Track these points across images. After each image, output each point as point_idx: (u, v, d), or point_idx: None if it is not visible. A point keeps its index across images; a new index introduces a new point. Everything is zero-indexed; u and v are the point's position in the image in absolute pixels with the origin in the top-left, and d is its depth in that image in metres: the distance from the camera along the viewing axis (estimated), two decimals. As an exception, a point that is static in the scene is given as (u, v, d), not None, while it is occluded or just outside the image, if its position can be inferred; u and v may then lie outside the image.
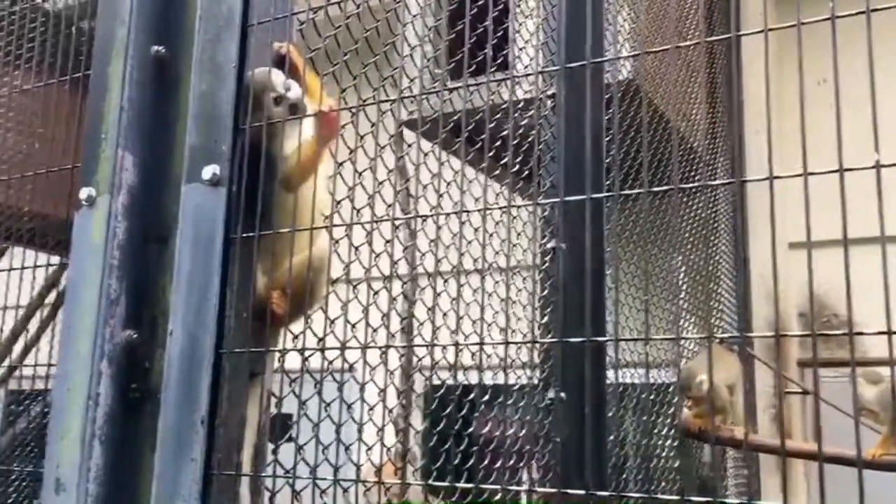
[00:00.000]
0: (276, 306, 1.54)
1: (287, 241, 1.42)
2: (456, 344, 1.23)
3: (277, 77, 1.49)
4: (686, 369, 3.17)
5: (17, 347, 4.70)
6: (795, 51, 1.21)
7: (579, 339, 1.78)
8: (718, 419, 3.26)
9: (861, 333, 0.89)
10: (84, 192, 1.45)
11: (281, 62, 1.51)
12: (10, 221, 4.19)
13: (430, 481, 1.70)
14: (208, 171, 1.37)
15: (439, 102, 1.82)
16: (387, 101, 1.60)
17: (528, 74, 1.55)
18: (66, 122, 2.71)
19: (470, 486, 1.25)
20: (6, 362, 4.59)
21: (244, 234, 1.36)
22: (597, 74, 2.17)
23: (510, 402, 2.19)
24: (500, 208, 1.19)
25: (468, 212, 1.21)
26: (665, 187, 1.06)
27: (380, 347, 1.35)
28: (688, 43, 2.29)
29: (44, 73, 3.10)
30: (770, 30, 1.03)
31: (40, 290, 4.78)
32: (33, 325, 4.73)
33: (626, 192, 1.10)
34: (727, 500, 1.01)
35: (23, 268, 3.04)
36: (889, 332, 0.87)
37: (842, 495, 1.11)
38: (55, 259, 4.30)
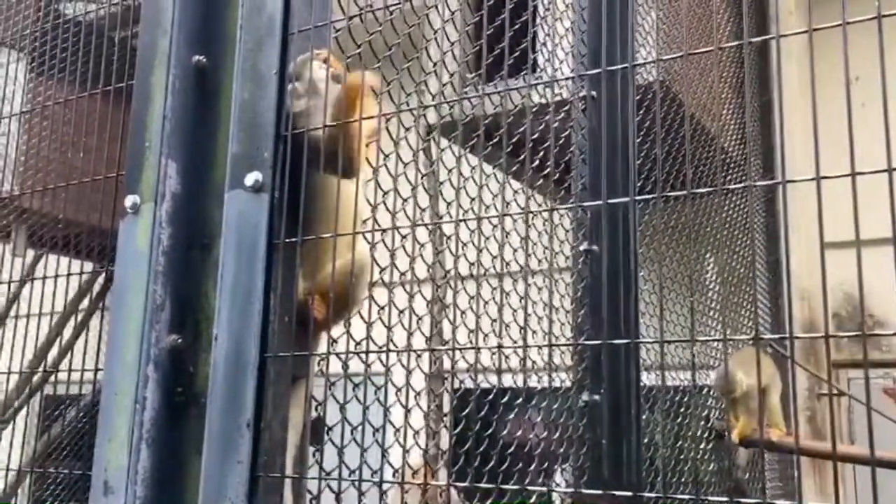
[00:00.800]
0: (316, 311, 1.56)
1: (328, 245, 1.43)
2: (499, 346, 1.24)
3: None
4: (726, 371, 3.16)
5: (52, 353, 4.78)
6: (827, 50, 1.22)
7: (623, 342, 1.77)
8: (755, 421, 3.24)
9: (912, 333, 0.88)
10: (129, 200, 1.48)
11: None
12: (45, 229, 4.27)
13: (462, 482, 1.71)
14: (251, 178, 1.39)
15: (470, 107, 1.83)
16: (408, 109, 1.60)
17: (569, 78, 1.55)
18: (100, 132, 2.75)
19: (491, 486, 1.25)
20: (42, 368, 4.66)
21: (287, 240, 1.38)
22: (629, 76, 2.17)
23: (544, 404, 2.19)
24: (543, 211, 1.19)
25: (511, 215, 1.22)
26: (708, 188, 1.06)
27: (421, 351, 1.36)
28: (732, 44, 2.28)
29: (77, 84, 3.16)
30: (815, 30, 1.03)
31: (74, 297, 4.85)
32: (68, 331, 4.81)
33: (670, 193, 1.10)
34: (777, 502, 1.01)
35: (56, 276, 3.09)
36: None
37: (886, 498, 1.10)
38: (89, 266, 4.36)
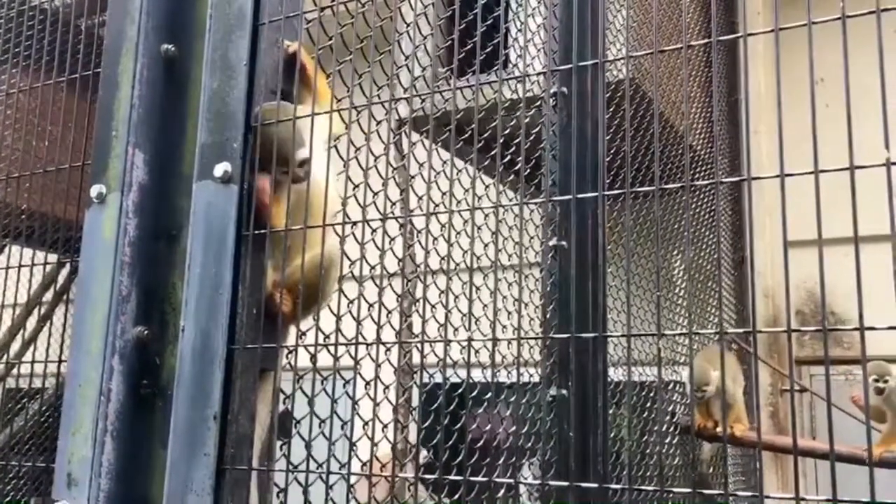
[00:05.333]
0: (284, 305, 1.55)
1: (297, 238, 1.42)
2: (469, 340, 1.24)
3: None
4: (692, 367, 3.21)
5: (14, 345, 4.70)
6: (793, 50, 1.23)
7: (590, 335, 1.79)
8: (718, 416, 3.29)
9: (872, 328, 0.90)
10: (95, 190, 1.46)
11: (291, 62, 1.52)
12: (7, 219, 4.19)
13: (429, 476, 1.71)
14: (220, 169, 1.38)
15: (442, 101, 1.83)
16: (379, 102, 1.60)
17: (539, 73, 1.56)
18: (65, 121, 2.71)
19: (458, 479, 1.26)
20: (3, 360, 4.58)
21: (256, 232, 1.37)
22: (599, 72, 2.18)
23: (513, 398, 2.20)
24: (513, 205, 1.20)
25: (482, 209, 1.22)
26: (676, 185, 1.07)
27: (391, 344, 1.36)
28: (700, 42, 2.30)
29: (41, 72, 3.10)
30: (781, 29, 1.04)
31: (37, 288, 4.78)
32: (30, 323, 4.73)
33: (638, 189, 1.11)
34: (738, 493, 1.02)
35: (20, 266, 3.04)
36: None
37: (843, 492, 1.12)
38: (53, 257, 4.30)
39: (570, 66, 1.92)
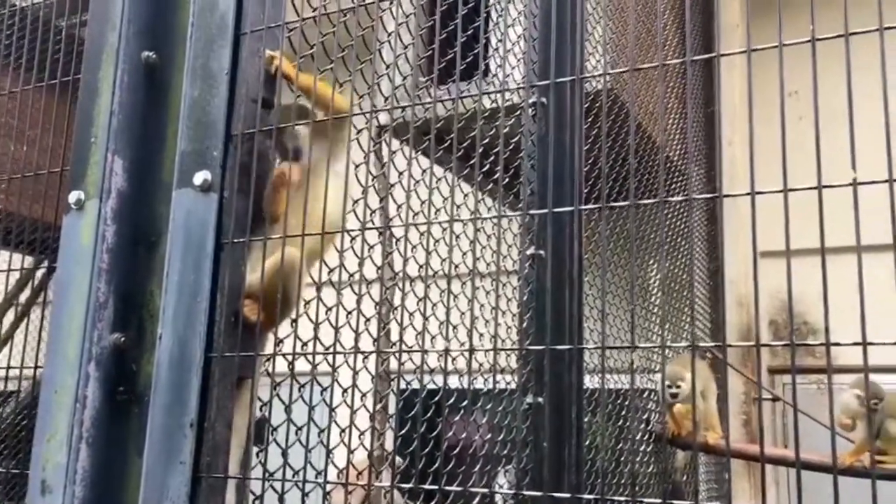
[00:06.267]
0: (247, 311, 1.54)
1: (277, 247, 1.43)
2: (446, 350, 1.25)
3: None
4: (668, 370, 3.24)
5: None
6: (769, 63, 1.25)
7: (565, 347, 1.81)
8: (690, 424, 3.32)
9: (837, 344, 0.93)
10: (73, 196, 1.46)
11: (272, 74, 1.53)
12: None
13: (405, 484, 1.72)
14: (199, 177, 1.39)
15: (422, 110, 1.85)
16: (361, 113, 1.61)
17: (518, 88, 1.57)
18: (43, 123, 2.69)
19: (433, 488, 1.27)
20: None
21: (234, 240, 1.37)
22: (576, 85, 2.21)
23: (489, 406, 2.22)
24: (490, 218, 1.21)
25: (461, 221, 1.23)
26: (651, 200, 1.09)
27: (368, 353, 1.37)
28: (675, 61, 2.33)
29: (20, 73, 3.08)
30: (753, 50, 1.06)
31: (12, 290, 4.73)
32: (4, 326, 4.68)
33: (614, 204, 1.13)
34: (709, 503, 1.05)
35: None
36: (865, 344, 0.91)
37: (814, 500, 1.14)
38: (29, 259, 4.25)
39: (547, 81, 1.94)
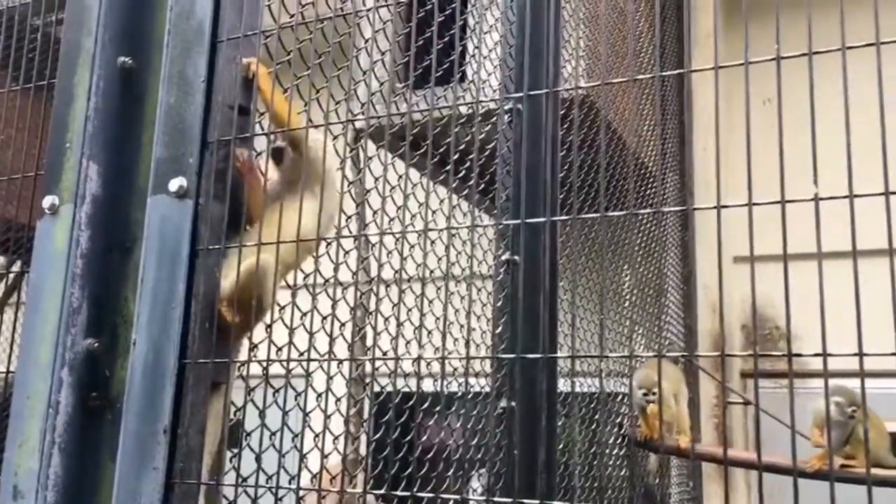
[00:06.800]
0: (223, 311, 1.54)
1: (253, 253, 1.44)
2: (419, 357, 1.27)
3: None
4: (636, 381, 3.27)
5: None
6: (742, 72, 1.28)
7: (537, 356, 1.83)
8: (664, 428, 3.36)
9: (798, 355, 0.95)
10: (47, 201, 1.45)
11: (249, 80, 1.53)
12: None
13: (377, 489, 1.74)
14: (175, 184, 1.39)
15: (399, 115, 1.86)
16: (338, 122, 1.62)
17: (493, 99, 1.59)
18: (17, 124, 2.67)
19: (405, 494, 1.29)
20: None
21: (209, 247, 1.38)
22: (554, 86, 2.23)
23: (463, 410, 2.24)
24: (465, 227, 1.23)
25: (436, 230, 1.25)
26: (621, 212, 1.11)
27: (342, 361, 1.38)
28: (646, 76, 2.36)
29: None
30: (720, 67, 1.09)
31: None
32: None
33: (584, 216, 1.16)
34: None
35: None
36: (825, 355, 0.94)
37: (786, 502, 1.17)
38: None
39: (520, 94, 1.96)
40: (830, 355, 0.95)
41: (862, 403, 2.83)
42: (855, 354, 0.93)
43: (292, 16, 1.62)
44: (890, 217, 0.95)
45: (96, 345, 1.43)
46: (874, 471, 2.96)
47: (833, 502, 0.93)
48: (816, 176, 1.00)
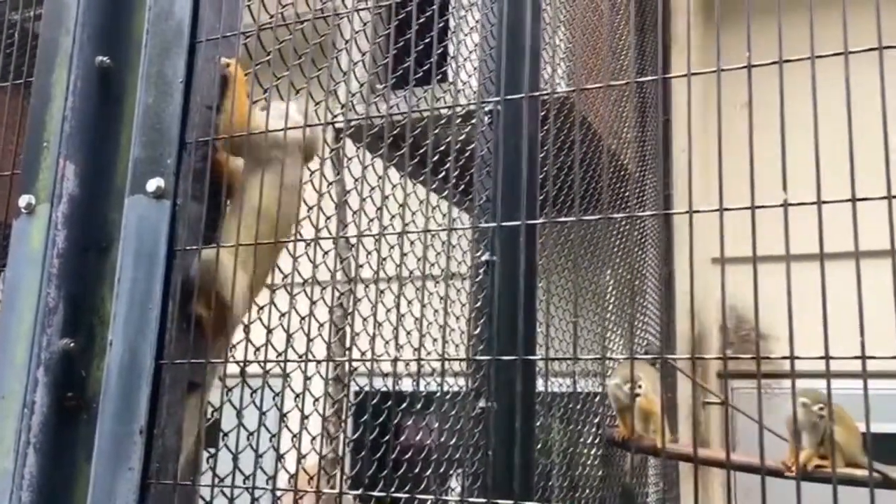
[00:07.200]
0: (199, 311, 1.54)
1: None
2: (395, 360, 1.28)
3: None
4: (619, 378, 3.30)
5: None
6: (722, 74, 1.29)
7: (511, 357, 1.84)
8: (640, 427, 3.39)
9: (768, 358, 0.97)
10: (24, 200, 1.45)
11: (226, 82, 1.53)
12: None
13: (355, 489, 1.74)
14: (153, 184, 1.39)
15: (378, 115, 1.87)
16: (319, 124, 1.63)
17: (471, 104, 1.61)
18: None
19: (382, 495, 1.29)
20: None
21: (187, 248, 1.38)
22: (533, 89, 2.25)
23: (442, 410, 2.25)
24: (442, 230, 1.24)
25: (411, 232, 1.26)
26: (595, 216, 1.13)
27: (319, 361, 1.39)
28: (619, 83, 2.39)
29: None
30: (693, 74, 1.11)
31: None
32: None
33: (559, 219, 1.17)
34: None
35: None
36: (791, 358, 0.96)
37: (757, 501, 1.19)
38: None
39: (497, 99, 1.97)
40: (798, 358, 0.97)
41: (828, 404, 2.87)
42: (821, 357, 0.95)
43: (272, 16, 1.62)
44: (856, 221, 0.97)
45: (72, 345, 1.42)
46: (848, 470, 3.00)
47: (799, 501, 0.95)
48: (786, 182, 1.01)
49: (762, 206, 1.00)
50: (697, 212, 1.05)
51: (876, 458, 2.85)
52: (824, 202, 0.98)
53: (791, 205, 0.98)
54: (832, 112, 1.05)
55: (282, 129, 1.45)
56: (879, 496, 1.08)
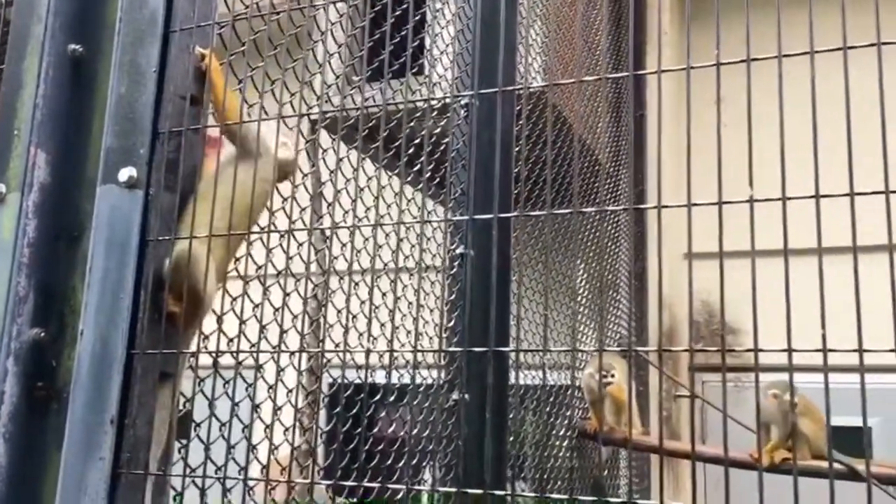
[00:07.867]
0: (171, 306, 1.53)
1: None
2: (367, 351, 1.29)
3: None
4: (591, 368, 3.34)
5: None
6: (697, 70, 1.31)
7: (482, 349, 1.86)
8: (612, 419, 3.43)
9: (732, 350, 0.99)
10: (-7, 189, 1.44)
11: (201, 73, 1.53)
12: None
13: (326, 479, 1.75)
14: (125, 174, 1.38)
15: (354, 107, 1.86)
16: (294, 115, 1.63)
17: (444, 98, 1.61)
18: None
19: (355, 484, 1.30)
20: None
21: (160, 238, 1.38)
22: (508, 83, 2.26)
23: (416, 401, 2.26)
24: (415, 222, 1.25)
25: (390, 224, 1.27)
26: (566, 210, 1.14)
27: (293, 352, 1.39)
28: (591, 78, 2.40)
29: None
30: (663, 71, 1.12)
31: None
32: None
33: (530, 213, 1.18)
34: (611, 500, 1.10)
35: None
36: (756, 350, 0.98)
37: (735, 497, 1.21)
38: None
39: (471, 93, 1.98)
40: (762, 350, 0.99)
41: (790, 397, 2.92)
42: (784, 350, 0.97)
43: (247, 6, 1.61)
44: (820, 218, 0.99)
45: (43, 334, 1.42)
46: (815, 462, 3.05)
47: (761, 492, 0.98)
48: (752, 178, 1.03)
49: (728, 202, 1.02)
50: (666, 207, 1.06)
51: (843, 451, 2.90)
52: (789, 198, 1.00)
53: (757, 200, 1.00)
54: (799, 109, 1.07)
55: (262, 121, 1.45)
56: (846, 488, 1.11)
